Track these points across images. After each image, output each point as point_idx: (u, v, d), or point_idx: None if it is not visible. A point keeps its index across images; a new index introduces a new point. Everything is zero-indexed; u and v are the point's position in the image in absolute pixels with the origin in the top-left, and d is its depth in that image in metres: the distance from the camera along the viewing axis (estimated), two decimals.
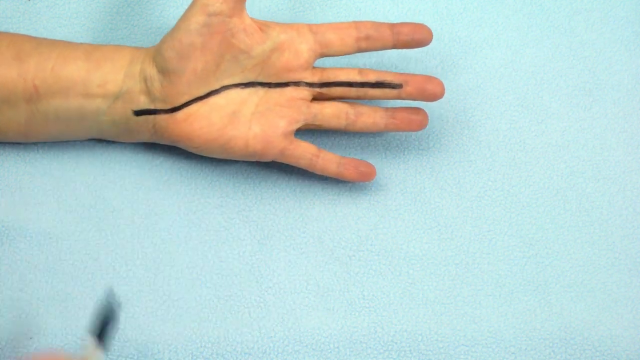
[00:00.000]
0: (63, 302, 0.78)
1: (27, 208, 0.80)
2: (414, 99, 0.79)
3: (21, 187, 0.80)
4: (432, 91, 0.79)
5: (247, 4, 0.84)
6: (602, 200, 0.82)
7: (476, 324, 0.79)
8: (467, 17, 0.87)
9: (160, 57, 0.76)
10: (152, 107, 0.77)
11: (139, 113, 0.77)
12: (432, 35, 0.78)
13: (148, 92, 0.77)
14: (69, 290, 0.78)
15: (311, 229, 0.81)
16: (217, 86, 0.78)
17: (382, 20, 0.86)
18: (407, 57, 0.85)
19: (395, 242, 0.81)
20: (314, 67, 0.79)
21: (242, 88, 0.78)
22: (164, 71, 0.76)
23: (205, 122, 0.77)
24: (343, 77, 0.79)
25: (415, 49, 0.85)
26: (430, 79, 0.79)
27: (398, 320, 0.79)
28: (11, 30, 0.84)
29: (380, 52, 0.84)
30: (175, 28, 0.76)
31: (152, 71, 0.76)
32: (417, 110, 0.80)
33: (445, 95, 0.84)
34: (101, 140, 0.81)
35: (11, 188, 0.80)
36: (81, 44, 0.79)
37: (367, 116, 0.79)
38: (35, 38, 0.79)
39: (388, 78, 0.79)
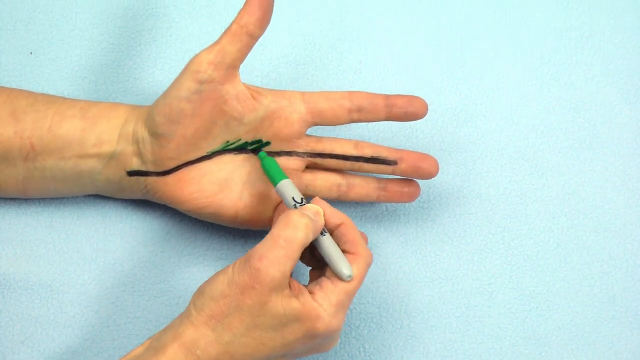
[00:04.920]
0: (64, 354, 0.78)
1: (28, 260, 0.80)
2: (408, 176, 0.79)
3: (23, 240, 0.81)
4: (426, 170, 0.78)
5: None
6: (602, 253, 0.82)
7: None
8: (468, 70, 0.87)
9: (150, 120, 0.75)
10: (143, 168, 0.77)
11: (131, 174, 0.77)
12: (426, 109, 0.77)
13: (140, 154, 0.76)
14: (70, 342, 0.78)
15: None
16: (207, 151, 0.77)
17: (383, 73, 0.86)
18: None
19: (396, 294, 0.81)
20: (308, 136, 0.79)
21: (235, 154, 0.78)
22: (154, 135, 0.76)
23: (196, 187, 0.77)
24: (338, 149, 0.78)
25: None
26: (425, 157, 0.78)
27: None
28: (14, 84, 0.84)
29: None
30: (166, 93, 0.75)
31: (143, 133, 0.76)
32: (409, 182, 0.80)
33: (446, 147, 0.84)
34: None
35: (13, 240, 0.81)
36: (78, 100, 0.78)
37: (360, 188, 0.79)
38: (31, 93, 0.78)
39: (384, 154, 0.78)
